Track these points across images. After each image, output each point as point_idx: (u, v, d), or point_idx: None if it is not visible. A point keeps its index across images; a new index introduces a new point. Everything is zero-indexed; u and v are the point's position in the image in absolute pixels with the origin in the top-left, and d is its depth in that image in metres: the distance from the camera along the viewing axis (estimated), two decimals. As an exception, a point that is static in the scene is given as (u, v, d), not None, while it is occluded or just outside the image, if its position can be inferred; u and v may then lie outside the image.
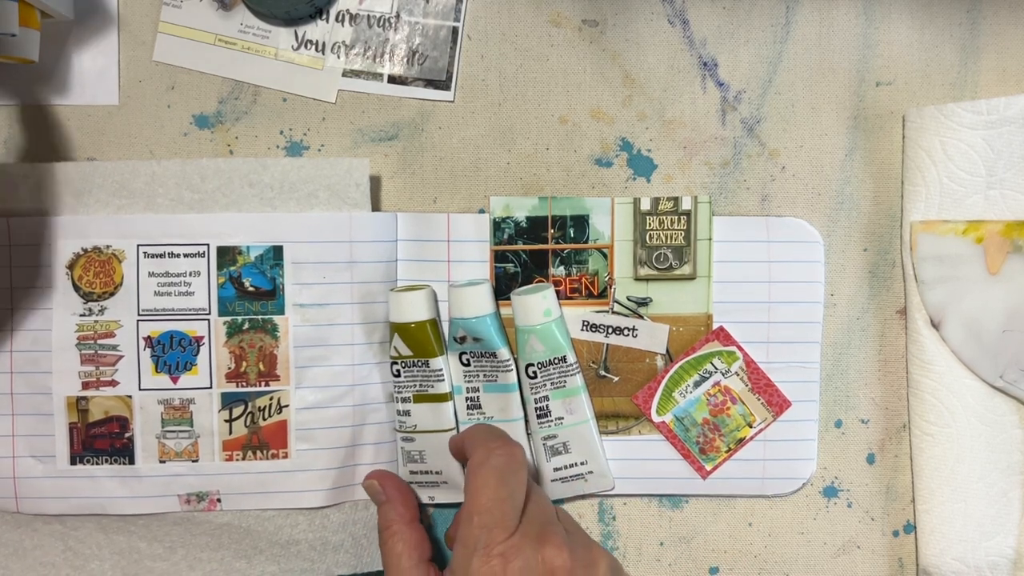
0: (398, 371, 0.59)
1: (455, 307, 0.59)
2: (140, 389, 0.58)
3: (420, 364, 0.58)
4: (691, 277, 0.60)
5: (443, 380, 0.59)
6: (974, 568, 0.59)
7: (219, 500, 0.59)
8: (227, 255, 0.58)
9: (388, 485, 0.58)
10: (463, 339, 0.59)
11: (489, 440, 0.53)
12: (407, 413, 0.59)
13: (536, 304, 0.58)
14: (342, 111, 0.61)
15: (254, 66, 0.61)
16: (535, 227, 0.60)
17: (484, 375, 0.59)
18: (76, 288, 0.58)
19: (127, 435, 0.59)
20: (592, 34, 0.61)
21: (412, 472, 0.60)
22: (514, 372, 0.59)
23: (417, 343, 0.58)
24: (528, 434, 0.61)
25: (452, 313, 0.59)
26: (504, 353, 0.59)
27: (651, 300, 0.60)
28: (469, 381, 0.59)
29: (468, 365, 0.59)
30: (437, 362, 0.59)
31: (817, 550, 0.62)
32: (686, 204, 0.60)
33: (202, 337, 0.58)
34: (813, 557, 0.62)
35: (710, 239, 0.60)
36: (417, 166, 0.61)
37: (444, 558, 0.62)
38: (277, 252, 0.58)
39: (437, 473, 0.60)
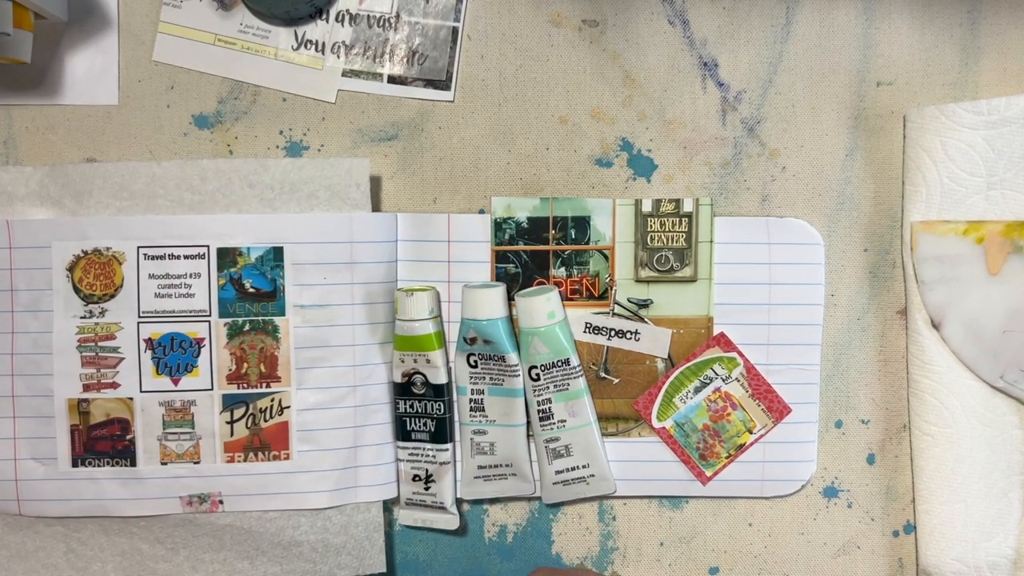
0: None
1: (468, 308, 0.58)
2: (141, 391, 0.58)
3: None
4: (692, 279, 0.60)
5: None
6: (974, 568, 0.59)
7: (221, 502, 0.59)
8: (227, 256, 0.58)
9: None
10: (473, 340, 0.59)
11: None
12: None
13: (540, 306, 0.58)
14: (342, 111, 0.61)
15: (254, 66, 0.61)
16: (536, 228, 0.60)
17: (491, 378, 0.59)
18: (76, 290, 0.58)
19: (128, 437, 0.59)
20: (592, 34, 0.61)
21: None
22: (520, 378, 0.59)
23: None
24: (530, 436, 0.61)
25: (464, 313, 0.59)
26: (513, 358, 0.59)
27: (652, 302, 0.60)
28: (475, 383, 0.60)
29: (475, 367, 0.59)
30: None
31: (817, 550, 0.63)
32: (687, 206, 0.60)
33: (203, 339, 0.58)
34: (813, 557, 0.63)
35: (711, 241, 0.60)
36: (417, 166, 0.61)
37: None
38: (277, 253, 0.58)
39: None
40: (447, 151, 0.61)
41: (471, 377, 0.59)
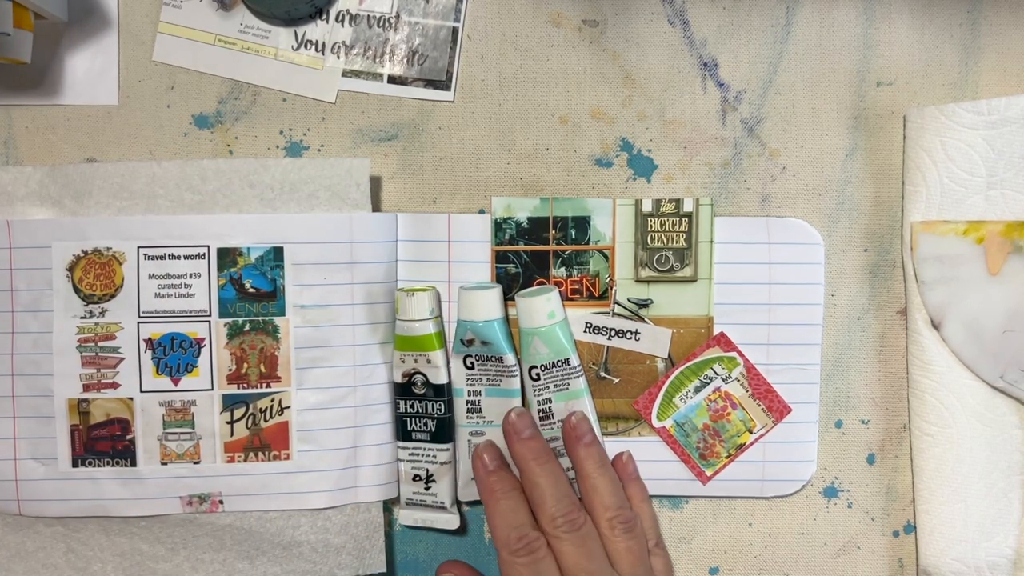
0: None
1: (464, 309, 0.58)
2: (141, 391, 0.58)
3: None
4: (692, 279, 0.60)
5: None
6: (974, 568, 0.59)
7: (221, 502, 0.59)
8: (227, 256, 0.58)
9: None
10: (470, 342, 0.59)
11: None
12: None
13: (540, 306, 0.58)
14: (342, 111, 0.61)
15: (254, 66, 0.61)
16: (536, 228, 0.60)
17: (487, 379, 0.59)
18: (76, 290, 0.58)
19: (128, 437, 0.59)
20: (592, 34, 0.61)
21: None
22: (518, 378, 0.59)
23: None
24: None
25: (461, 315, 0.59)
26: (510, 359, 0.59)
27: (652, 302, 0.60)
28: (471, 384, 0.60)
29: (472, 368, 0.59)
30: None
31: (817, 550, 0.63)
32: (688, 206, 0.60)
33: (203, 339, 0.58)
34: (813, 557, 0.63)
35: (711, 241, 0.60)
36: (417, 166, 0.61)
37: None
38: (277, 253, 0.58)
39: None
40: (447, 151, 0.61)
41: (468, 379, 0.59)
